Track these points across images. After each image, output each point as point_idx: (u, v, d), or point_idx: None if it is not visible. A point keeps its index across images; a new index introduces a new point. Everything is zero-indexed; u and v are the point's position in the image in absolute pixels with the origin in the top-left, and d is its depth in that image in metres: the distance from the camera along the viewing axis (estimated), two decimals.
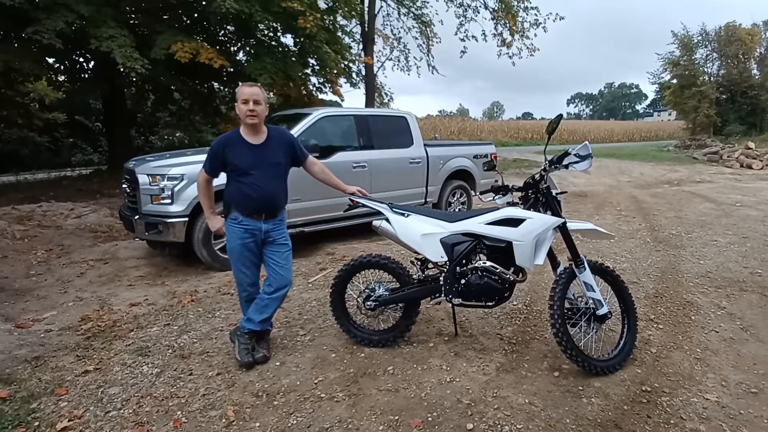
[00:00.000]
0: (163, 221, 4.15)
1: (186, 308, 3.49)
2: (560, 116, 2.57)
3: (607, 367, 2.48)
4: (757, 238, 5.25)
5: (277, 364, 2.63)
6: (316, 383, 2.43)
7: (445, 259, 2.64)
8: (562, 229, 2.57)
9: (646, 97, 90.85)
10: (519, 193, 2.71)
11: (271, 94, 10.30)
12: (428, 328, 3.07)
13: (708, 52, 23.26)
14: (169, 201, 4.17)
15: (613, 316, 2.64)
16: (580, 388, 2.37)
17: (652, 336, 2.94)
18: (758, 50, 23.31)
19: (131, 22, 8.99)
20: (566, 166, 2.52)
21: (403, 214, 2.73)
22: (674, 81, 24.15)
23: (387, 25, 15.08)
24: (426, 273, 2.80)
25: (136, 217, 4.27)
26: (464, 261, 2.65)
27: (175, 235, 4.17)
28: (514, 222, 2.52)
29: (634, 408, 2.21)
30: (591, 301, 2.57)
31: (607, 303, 2.60)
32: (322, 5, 10.22)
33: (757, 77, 23.37)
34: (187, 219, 4.18)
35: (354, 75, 13.09)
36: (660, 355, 2.70)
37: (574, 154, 2.49)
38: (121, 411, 2.21)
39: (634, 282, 3.86)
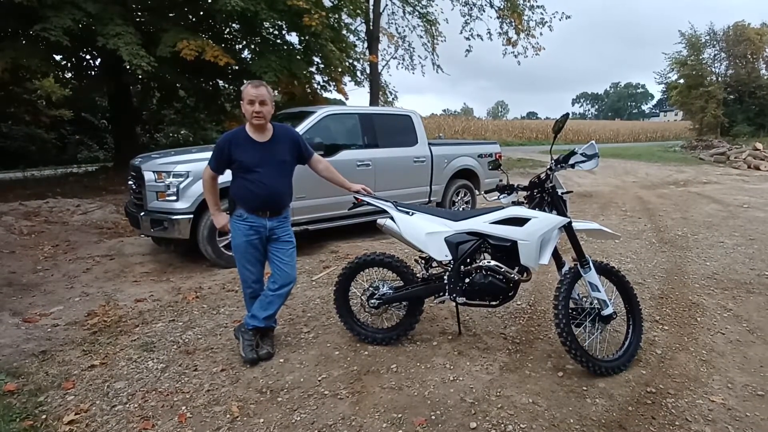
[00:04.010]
0: (169, 218, 4.17)
1: (191, 305, 3.50)
2: (567, 115, 2.55)
3: (611, 368, 2.47)
4: (764, 239, 5.20)
5: (281, 360, 2.64)
6: (319, 380, 2.44)
7: (450, 257, 2.64)
8: (568, 228, 2.55)
9: (653, 97, 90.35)
10: (524, 193, 2.70)
11: (276, 92, 10.31)
12: (432, 327, 3.07)
13: (716, 52, 23.06)
14: (174, 198, 4.19)
15: (618, 316, 2.63)
16: (585, 388, 2.36)
17: (657, 337, 2.92)
18: (767, 50, 23.05)
19: (137, 20, 9.04)
20: (572, 166, 2.50)
21: (407, 213, 2.73)
22: (681, 81, 23.93)
23: (392, 23, 15.03)
24: (430, 272, 2.80)
25: (142, 213, 4.29)
26: (469, 260, 2.65)
27: (180, 232, 4.19)
28: (519, 221, 2.51)
29: (639, 409, 2.20)
30: (596, 301, 2.56)
31: (612, 303, 2.58)
32: (327, 3, 10.21)
33: (765, 77, 23.14)
34: (192, 216, 4.20)
35: (358, 73, 13.07)
36: (665, 356, 2.69)
37: (581, 154, 2.48)
38: (127, 405, 2.23)
39: (640, 283, 3.84)
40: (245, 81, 2.53)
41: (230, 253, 4.25)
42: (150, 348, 2.80)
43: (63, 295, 3.77)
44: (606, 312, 2.55)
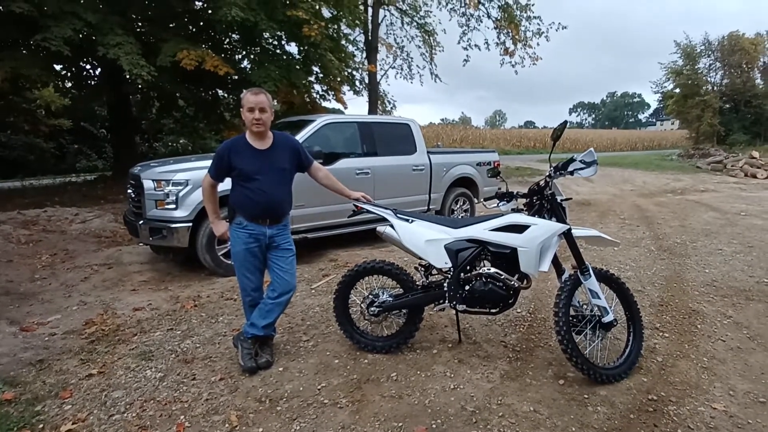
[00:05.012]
0: (167, 226, 4.16)
1: (189, 313, 3.49)
2: (565, 123, 2.58)
3: (612, 376, 2.46)
4: (763, 247, 5.22)
5: (280, 369, 2.62)
6: (319, 389, 2.42)
7: (449, 265, 2.64)
8: (567, 235, 2.56)
9: (649, 106, 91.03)
10: (524, 200, 2.71)
11: (275, 101, 10.37)
12: (432, 335, 3.06)
13: (711, 62, 23.34)
14: (173, 206, 4.19)
15: (618, 324, 2.62)
16: (586, 396, 2.35)
17: (657, 344, 2.92)
18: (762, 59, 23.35)
19: (138, 30, 9.11)
20: (571, 173, 2.52)
21: (407, 220, 2.74)
22: (677, 90, 24.19)
23: (390, 33, 15.21)
24: (430, 279, 2.79)
25: (141, 222, 4.29)
26: (468, 267, 2.65)
27: (178, 241, 4.18)
28: (519, 228, 2.52)
29: (641, 417, 2.19)
30: (596, 308, 2.55)
31: (613, 311, 2.58)
32: (327, 14, 10.33)
33: (760, 86, 23.41)
34: (191, 224, 4.19)
35: (357, 83, 13.18)
36: (666, 363, 2.68)
37: (580, 161, 2.49)
38: (125, 415, 2.21)
39: (639, 290, 3.84)
40: (245, 90, 2.55)
41: (229, 262, 4.25)
42: (148, 357, 2.78)
43: (61, 304, 3.74)
44: (606, 319, 2.54)
